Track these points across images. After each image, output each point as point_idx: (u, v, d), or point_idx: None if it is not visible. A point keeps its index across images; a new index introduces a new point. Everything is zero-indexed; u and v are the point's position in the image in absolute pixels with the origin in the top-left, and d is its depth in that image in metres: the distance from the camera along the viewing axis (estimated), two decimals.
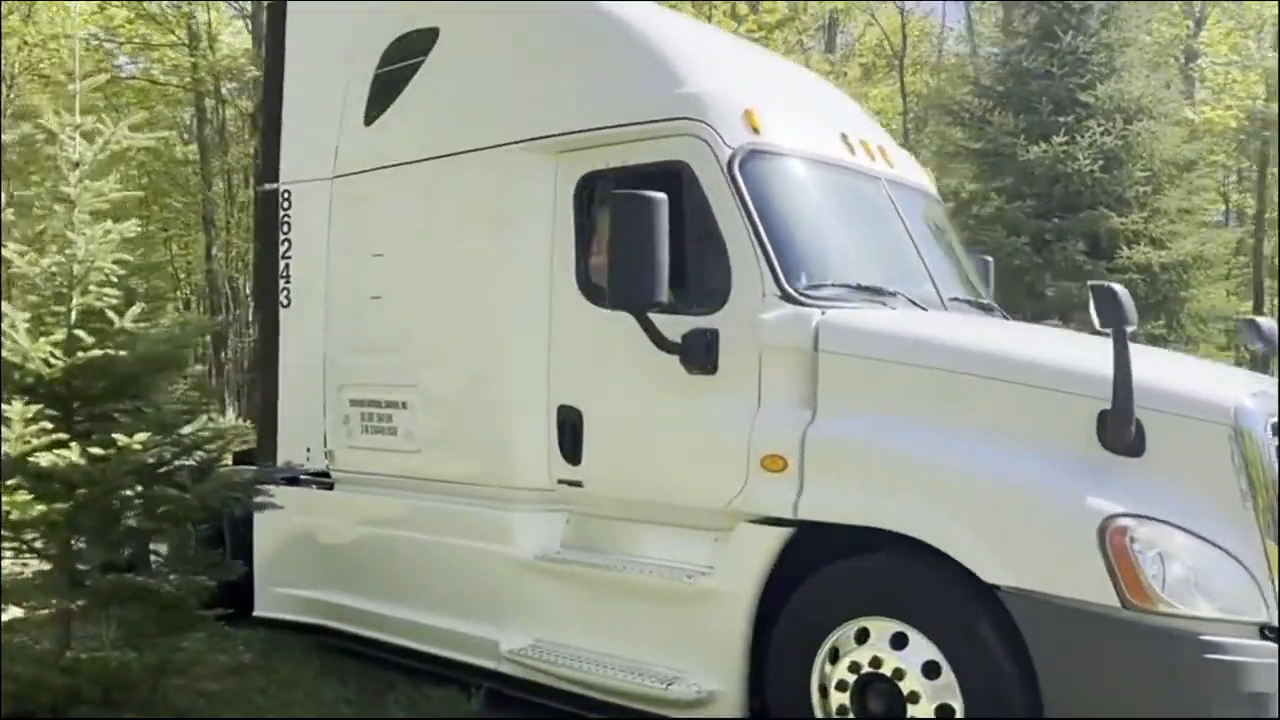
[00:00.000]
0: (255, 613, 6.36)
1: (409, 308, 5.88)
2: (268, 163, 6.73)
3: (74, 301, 4.90)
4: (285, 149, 6.58)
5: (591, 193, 5.19)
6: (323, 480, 6.34)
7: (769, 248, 4.55)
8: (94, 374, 4.81)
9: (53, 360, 4.70)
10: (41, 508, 4.37)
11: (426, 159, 5.84)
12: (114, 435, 4.47)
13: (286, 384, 6.47)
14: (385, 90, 6.19)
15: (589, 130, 5.14)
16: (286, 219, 6.54)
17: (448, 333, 5.68)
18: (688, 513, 4.78)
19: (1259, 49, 25.10)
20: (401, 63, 6.13)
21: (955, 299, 5.32)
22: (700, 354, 4.60)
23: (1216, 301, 14.07)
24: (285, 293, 6.52)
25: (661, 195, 4.46)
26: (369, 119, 6.22)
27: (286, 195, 6.54)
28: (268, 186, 6.65)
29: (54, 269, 4.88)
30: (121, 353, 4.76)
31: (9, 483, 4.46)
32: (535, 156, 5.33)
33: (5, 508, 4.44)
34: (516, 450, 5.33)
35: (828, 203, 5.14)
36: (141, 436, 4.48)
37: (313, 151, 6.44)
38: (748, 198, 4.62)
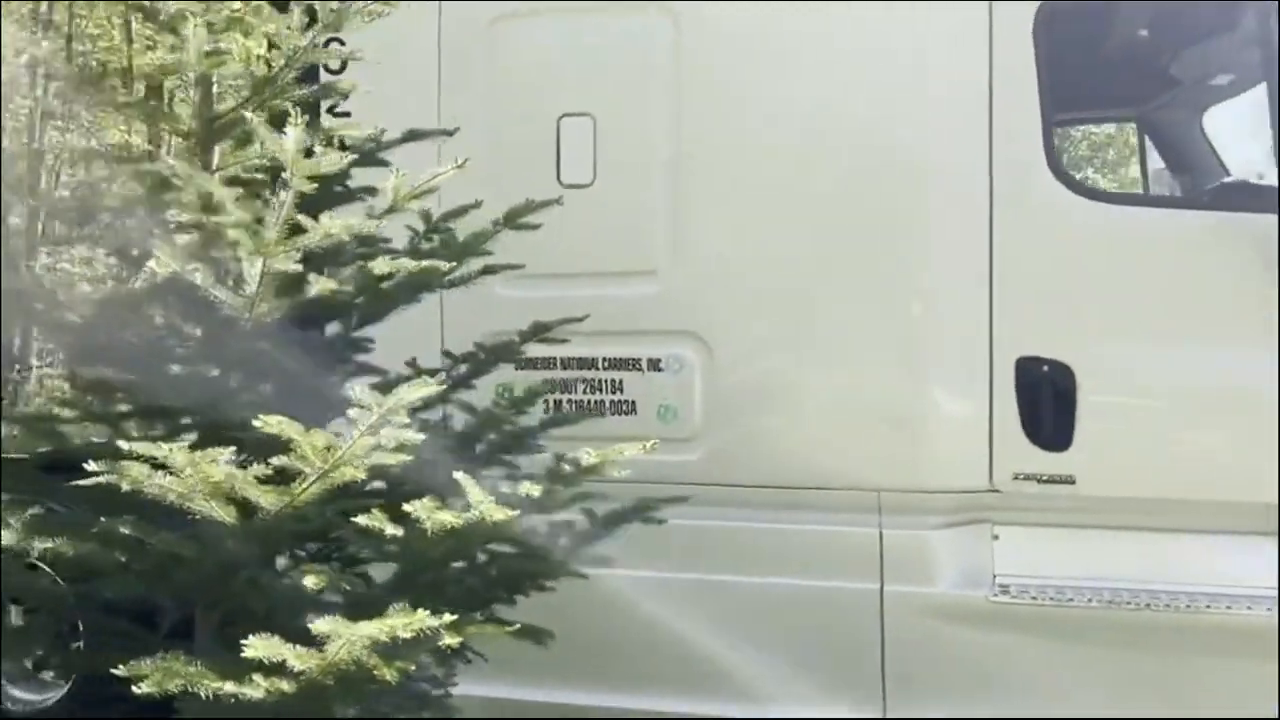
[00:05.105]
0: None
1: (662, 204, 3.53)
2: None
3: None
4: None
5: (1060, 27, 3.36)
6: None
7: None
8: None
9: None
10: None
11: None
12: None
13: None
14: None
15: None
16: None
17: (766, 247, 3.47)
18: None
19: None
20: None
21: None
22: None
23: None
24: None
25: None
26: None
27: None
28: None
29: None
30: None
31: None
32: None
33: None
34: (928, 434, 3.37)
35: None
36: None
37: None
38: None
